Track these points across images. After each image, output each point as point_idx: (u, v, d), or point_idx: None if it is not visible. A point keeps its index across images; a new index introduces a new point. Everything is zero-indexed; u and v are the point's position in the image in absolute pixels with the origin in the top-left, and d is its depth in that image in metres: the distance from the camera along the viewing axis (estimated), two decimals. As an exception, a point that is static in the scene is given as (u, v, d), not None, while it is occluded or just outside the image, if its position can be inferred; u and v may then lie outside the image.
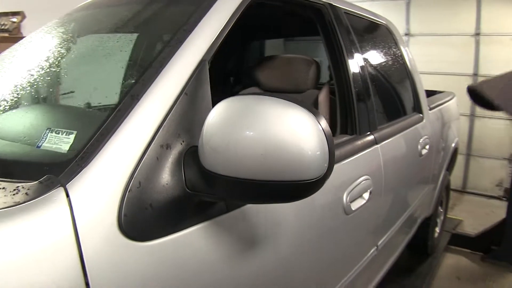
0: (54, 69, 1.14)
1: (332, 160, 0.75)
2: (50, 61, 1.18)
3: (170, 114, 0.84)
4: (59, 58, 1.19)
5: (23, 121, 0.98)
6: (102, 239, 0.70)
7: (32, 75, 1.08)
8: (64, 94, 1.18)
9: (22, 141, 0.89)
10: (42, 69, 1.09)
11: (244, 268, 0.98)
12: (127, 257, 0.73)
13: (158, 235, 0.78)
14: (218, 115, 0.75)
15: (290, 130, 0.71)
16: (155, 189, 0.78)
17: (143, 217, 0.75)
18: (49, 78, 1.08)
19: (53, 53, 1.24)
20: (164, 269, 0.78)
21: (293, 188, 0.73)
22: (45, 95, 1.09)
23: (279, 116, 0.72)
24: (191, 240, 0.84)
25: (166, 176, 0.80)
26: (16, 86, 1.09)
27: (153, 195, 0.77)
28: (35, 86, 1.04)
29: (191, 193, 0.81)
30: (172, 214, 0.80)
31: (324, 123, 0.74)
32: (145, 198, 0.76)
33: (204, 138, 0.76)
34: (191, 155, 0.84)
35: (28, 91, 1.04)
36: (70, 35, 1.29)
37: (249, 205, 0.98)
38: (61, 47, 1.25)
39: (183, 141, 0.85)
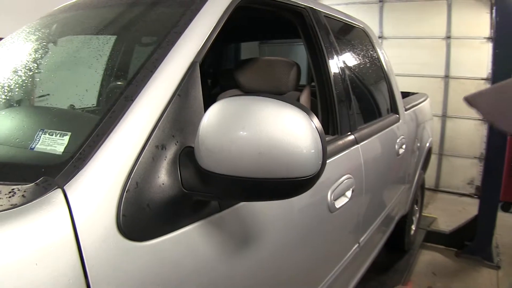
0: (39, 71, 1.14)
1: (325, 158, 0.77)
2: (35, 62, 1.17)
3: (164, 115, 0.85)
4: (45, 60, 1.18)
5: (13, 123, 0.97)
6: (101, 240, 0.70)
7: (19, 76, 1.07)
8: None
9: (14, 143, 0.88)
10: (30, 70, 1.08)
11: (237, 265, 0.99)
12: (127, 257, 0.73)
13: (156, 234, 0.79)
14: (215, 116, 0.77)
15: (285, 129, 0.73)
16: (152, 189, 0.79)
17: (141, 217, 0.76)
18: (37, 79, 1.07)
19: (38, 54, 1.22)
20: (162, 268, 0.79)
21: (289, 185, 0.75)
22: (33, 96, 1.08)
23: (274, 116, 0.74)
24: (187, 239, 0.85)
25: (162, 176, 0.81)
26: (3, 87, 1.08)
27: (150, 195, 0.78)
28: (23, 87, 1.03)
29: (187, 192, 0.83)
30: (169, 213, 0.82)
31: (316, 121, 0.77)
32: (143, 198, 0.77)
33: (200, 138, 0.77)
34: (186, 155, 0.85)
35: (16, 93, 1.03)
36: (57, 36, 1.27)
37: (240, 205, 1.00)
38: (46, 49, 1.24)
39: (177, 142, 0.86)
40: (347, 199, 1.56)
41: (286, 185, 0.75)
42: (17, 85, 1.06)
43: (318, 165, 0.75)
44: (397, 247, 3.21)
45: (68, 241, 0.66)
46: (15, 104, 1.04)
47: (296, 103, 0.77)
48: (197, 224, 0.87)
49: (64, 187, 0.70)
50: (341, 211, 1.51)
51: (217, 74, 3.28)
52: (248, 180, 0.74)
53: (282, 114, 0.75)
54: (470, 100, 0.76)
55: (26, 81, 1.07)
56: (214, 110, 0.78)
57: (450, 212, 4.50)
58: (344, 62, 1.89)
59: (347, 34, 2.30)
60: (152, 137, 0.81)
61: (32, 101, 1.14)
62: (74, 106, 1.15)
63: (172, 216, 0.82)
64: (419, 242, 3.56)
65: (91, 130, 0.79)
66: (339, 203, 1.50)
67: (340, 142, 1.61)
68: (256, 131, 0.73)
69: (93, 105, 1.03)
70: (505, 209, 4.49)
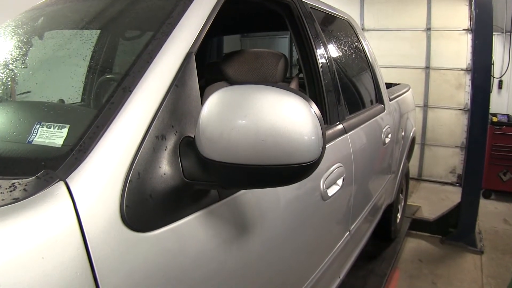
0: (26, 66, 1.12)
1: (325, 144, 0.79)
2: (22, 57, 1.15)
3: (163, 105, 0.85)
4: (33, 55, 1.17)
5: (7, 117, 0.96)
6: (106, 232, 0.70)
7: (11, 70, 1.05)
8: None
9: (10, 137, 0.87)
10: (23, 63, 1.06)
11: (237, 253, 1.00)
12: (131, 248, 0.73)
13: (159, 225, 0.79)
14: (215, 105, 0.77)
15: (286, 116, 0.74)
16: (154, 179, 0.79)
17: (144, 207, 0.76)
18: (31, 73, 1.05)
19: (24, 49, 1.21)
20: (165, 258, 0.80)
21: (291, 172, 0.76)
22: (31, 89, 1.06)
23: (275, 103, 0.75)
24: (189, 229, 0.85)
25: (163, 167, 0.81)
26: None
27: (153, 186, 0.78)
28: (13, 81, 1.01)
29: (188, 182, 0.83)
30: (172, 203, 0.82)
31: (316, 108, 0.78)
32: (145, 189, 0.77)
33: (201, 127, 0.77)
34: (186, 145, 0.85)
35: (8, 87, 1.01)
36: (46, 30, 1.25)
37: (239, 193, 1.01)
38: (31, 43, 1.22)
39: (176, 132, 0.86)
40: (338, 187, 1.58)
41: (287, 172, 0.76)
42: (9, 79, 1.04)
43: (318, 151, 0.76)
44: (384, 234, 3.26)
45: (73, 234, 0.66)
46: (8, 98, 1.02)
47: (295, 90, 0.78)
48: (197, 214, 0.88)
49: (67, 179, 0.70)
50: (333, 199, 1.54)
51: (202, 68, 3.26)
52: (250, 167, 0.75)
53: (283, 101, 0.76)
54: None
55: (16, 75, 1.06)
56: (214, 99, 0.78)
57: (433, 201, 4.60)
58: (331, 53, 1.91)
59: (333, 25, 2.32)
60: (151, 128, 0.81)
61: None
62: (63, 100, 1.14)
63: (174, 206, 0.83)
64: (404, 230, 3.63)
65: (90, 122, 0.78)
66: (331, 191, 1.52)
67: (330, 131, 1.63)
68: (257, 119, 0.74)
69: (88, 99, 1.02)
70: (487, 196, 4.63)
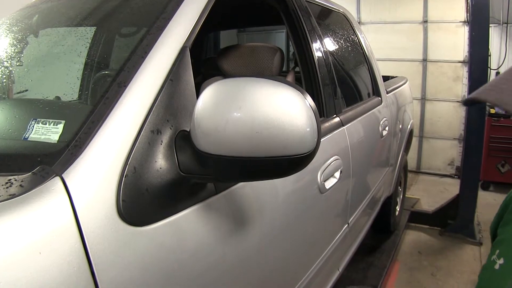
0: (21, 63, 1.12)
1: (320, 135, 0.79)
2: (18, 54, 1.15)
3: (158, 100, 0.85)
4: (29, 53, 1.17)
5: (4, 114, 0.96)
6: (103, 226, 0.70)
7: (7, 68, 1.05)
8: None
9: (6, 134, 0.87)
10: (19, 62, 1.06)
11: (234, 247, 1.01)
12: (128, 242, 0.74)
13: (156, 219, 0.79)
14: (209, 98, 0.77)
15: (281, 108, 0.74)
16: (150, 174, 0.79)
17: (140, 202, 0.77)
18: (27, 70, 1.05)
19: (19, 47, 1.20)
20: (162, 252, 0.80)
21: (286, 164, 0.76)
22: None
23: (269, 95, 0.75)
24: (186, 223, 0.86)
25: (159, 161, 0.81)
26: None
27: (149, 180, 0.78)
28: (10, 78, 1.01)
29: (184, 175, 0.83)
30: (168, 197, 0.82)
31: (310, 100, 0.78)
32: (141, 183, 0.77)
33: (196, 121, 0.77)
34: (181, 139, 0.85)
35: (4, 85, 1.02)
36: (41, 28, 1.25)
37: (236, 187, 1.02)
38: (27, 41, 1.22)
39: (172, 126, 0.86)
40: (336, 180, 1.58)
41: (283, 163, 0.76)
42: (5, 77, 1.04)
43: (313, 143, 0.77)
44: (383, 227, 3.27)
45: (70, 229, 0.66)
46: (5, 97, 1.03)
47: (290, 82, 0.79)
48: (194, 208, 0.88)
49: (63, 175, 0.70)
50: (331, 192, 1.54)
51: (199, 63, 3.26)
52: (245, 159, 0.75)
53: (277, 93, 0.76)
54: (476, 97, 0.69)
55: (13, 73, 1.06)
56: (209, 92, 0.78)
57: (432, 193, 4.61)
58: (327, 47, 1.91)
59: (329, 19, 2.32)
60: (147, 122, 0.82)
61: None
62: (59, 97, 1.14)
63: (171, 200, 0.83)
64: (404, 223, 3.64)
65: (85, 117, 0.78)
66: (329, 184, 1.52)
67: (327, 124, 1.63)
68: (252, 111, 0.74)
69: (84, 95, 1.02)
70: (485, 188, 4.64)
